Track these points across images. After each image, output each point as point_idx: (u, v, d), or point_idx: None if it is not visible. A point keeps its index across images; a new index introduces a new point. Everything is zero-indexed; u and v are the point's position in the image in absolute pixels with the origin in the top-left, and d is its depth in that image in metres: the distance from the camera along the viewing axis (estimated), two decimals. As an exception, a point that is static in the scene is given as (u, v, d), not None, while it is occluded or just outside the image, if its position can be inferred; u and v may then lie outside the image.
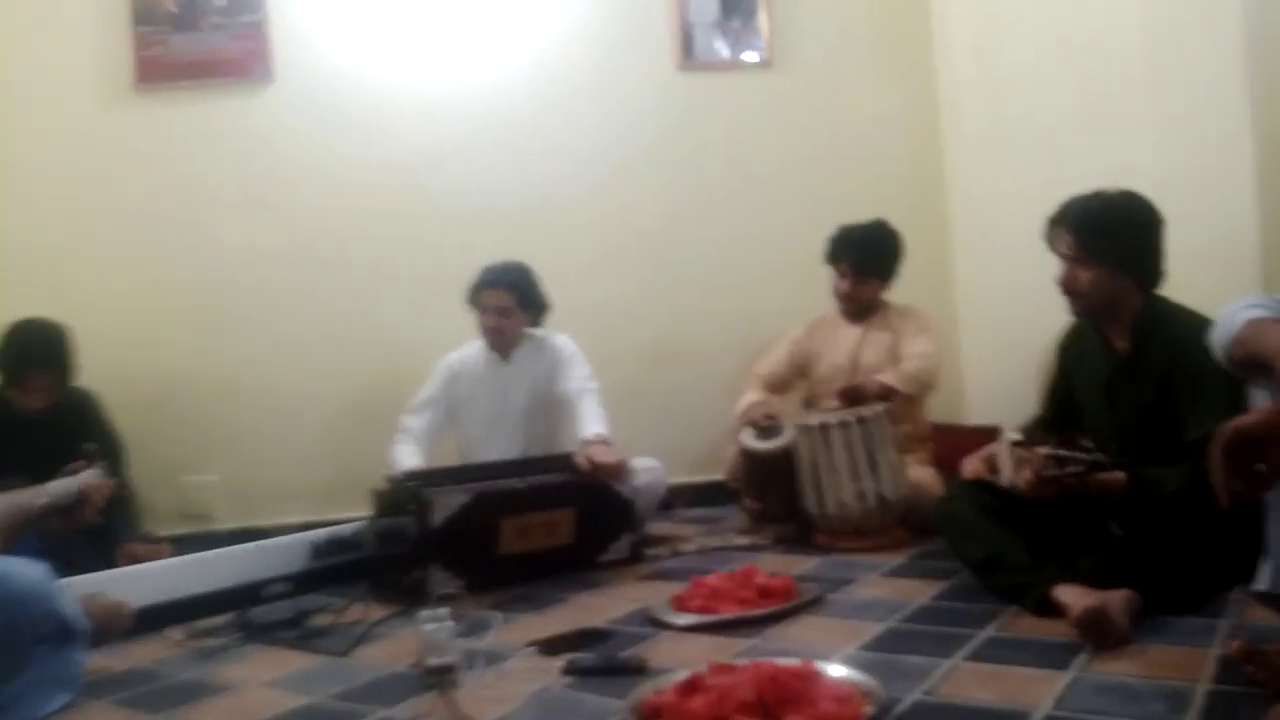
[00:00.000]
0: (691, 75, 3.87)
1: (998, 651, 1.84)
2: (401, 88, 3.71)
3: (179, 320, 3.60)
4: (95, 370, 3.25)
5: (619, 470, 2.87)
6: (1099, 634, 1.79)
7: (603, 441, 2.95)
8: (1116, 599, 1.86)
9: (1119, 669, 1.69)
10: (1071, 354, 2.41)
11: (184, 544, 3.10)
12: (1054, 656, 1.77)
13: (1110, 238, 2.16)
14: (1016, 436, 2.29)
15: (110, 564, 2.77)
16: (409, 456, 3.13)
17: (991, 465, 2.40)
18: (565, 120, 3.80)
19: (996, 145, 3.55)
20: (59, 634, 1.87)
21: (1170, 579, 1.96)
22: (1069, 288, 2.23)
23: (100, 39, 3.55)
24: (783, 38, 3.89)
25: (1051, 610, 1.95)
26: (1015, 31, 3.40)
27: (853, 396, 3.00)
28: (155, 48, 3.53)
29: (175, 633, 2.41)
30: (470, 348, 3.38)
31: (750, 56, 3.88)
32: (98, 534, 2.89)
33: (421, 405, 3.29)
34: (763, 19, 3.85)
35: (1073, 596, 1.91)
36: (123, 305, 3.54)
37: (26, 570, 1.73)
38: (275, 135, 3.65)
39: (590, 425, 3.03)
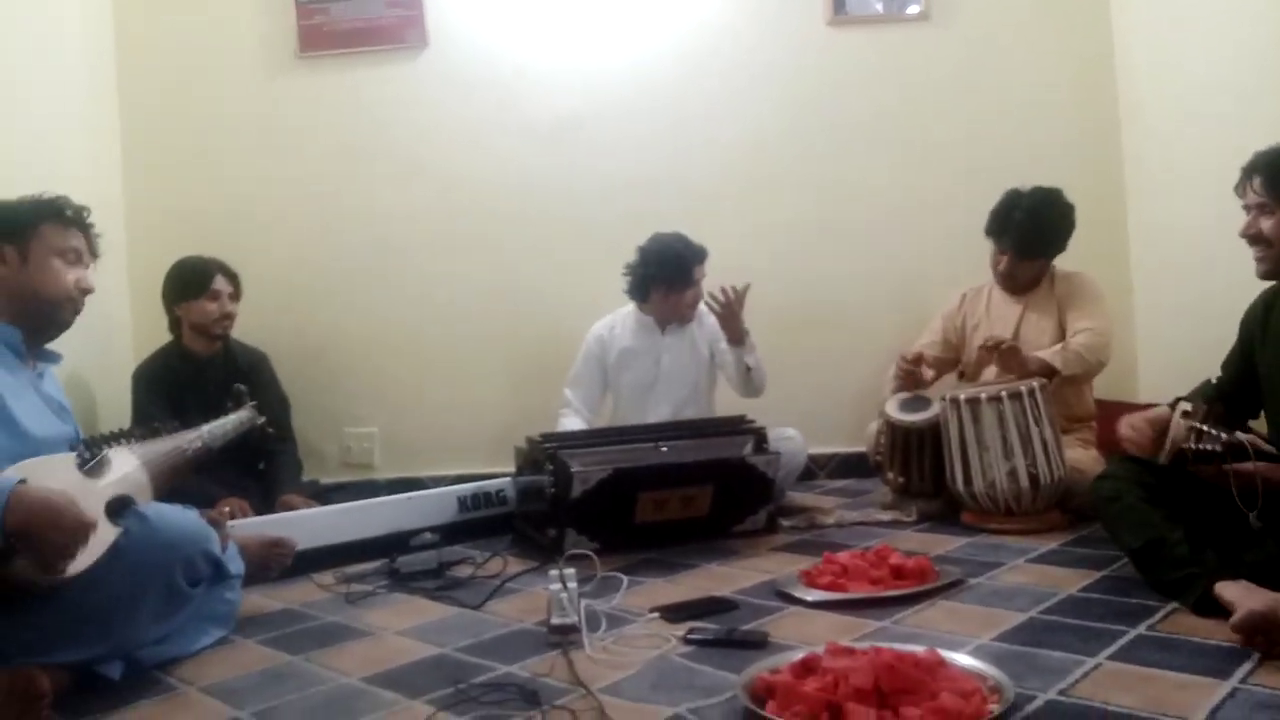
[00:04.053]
0: (843, 30, 3.70)
1: (1148, 653, 1.69)
2: (551, 53, 3.72)
3: (339, 280, 3.76)
4: (263, 330, 3.44)
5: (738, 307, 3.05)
6: (1267, 640, 1.62)
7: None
8: (1289, 602, 1.68)
9: (1288, 683, 1.51)
10: (1256, 324, 2.17)
11: (346, 491, 3.27)
12: (1212, 662, 1.61)
13: None
14: (1188, 407, 2.10)
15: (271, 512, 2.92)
16: (575, 427, 3.20)
17: (1160, 430, 2.19)
18: (713, 82, 3.72)
19: (1176, 110, 3.25)
20: (215, 574, 2.01)
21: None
22: (1253, 237, 2.03)
23: (265, 9, 3.71)
24: (943, -12, 3.66)
25: (1216, 609, 1.78)
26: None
27: (1010, 361, 2.82)
28: (317, 16, 3.69)
29: (326, 577, 2.55)
30: (617, 316, 3.40)
31: (907, 9, 3.67)
32: (266, 483, 3.12)
33: (575, 378, 3.36)
34: (921, -31, 3.62)
35: (1238, 594, 1.73)
36: (286, 266, 3.72)
37: (179, 516, 1.85)
38: (429, 100, 3.73)
39: None
